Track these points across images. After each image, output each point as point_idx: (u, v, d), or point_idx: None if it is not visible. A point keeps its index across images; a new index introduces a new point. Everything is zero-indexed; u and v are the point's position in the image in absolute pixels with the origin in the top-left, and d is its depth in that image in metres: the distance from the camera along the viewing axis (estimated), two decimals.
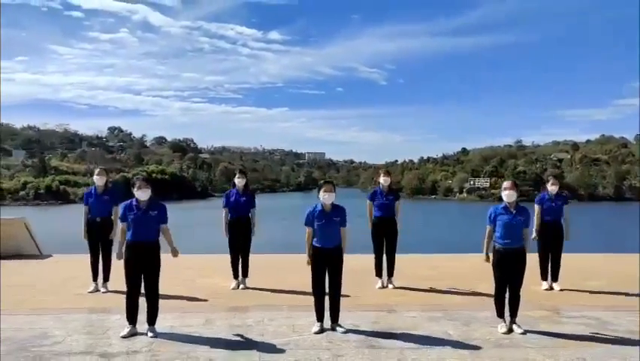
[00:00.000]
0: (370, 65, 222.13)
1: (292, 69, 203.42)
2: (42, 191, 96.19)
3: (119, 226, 6.52)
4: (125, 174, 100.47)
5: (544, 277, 9.08)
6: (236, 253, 8.96)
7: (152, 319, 6.29)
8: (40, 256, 12.69)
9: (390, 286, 9.01)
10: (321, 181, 6.74)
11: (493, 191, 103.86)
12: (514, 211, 6.54)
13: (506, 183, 6.67)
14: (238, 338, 6.14)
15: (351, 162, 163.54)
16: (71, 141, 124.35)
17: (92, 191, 8.62)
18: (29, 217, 13.70)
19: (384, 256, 9.08)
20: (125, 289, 6.32)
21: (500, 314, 6.63)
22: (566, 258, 11.74)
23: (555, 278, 9.05)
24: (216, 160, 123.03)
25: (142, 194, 6.26)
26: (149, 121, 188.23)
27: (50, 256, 12.72)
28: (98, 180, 8.56)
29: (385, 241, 9.05)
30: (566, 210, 9.03)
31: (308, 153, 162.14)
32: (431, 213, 73.36)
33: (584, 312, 7.44)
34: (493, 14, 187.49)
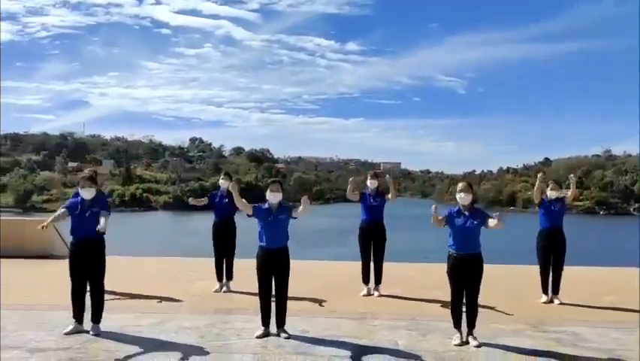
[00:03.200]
0: (449, 74, 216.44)
1: (369, 79, 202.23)
2: (127, 198, 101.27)
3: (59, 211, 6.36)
4: (203, 182, 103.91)
5: (544, 290, 8.40)
6: (221, 255, 8.94)
7: (95, 317, 6.33)
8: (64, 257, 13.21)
9: (375, 293, 8.65)
10: (269, 180, 6.58)
11: (577, 203, 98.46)
12: (467, 214, 6.08)
13: (461, 185, 6.25)
14: (174, 340, 6.06)
15: (428, 172, 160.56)
16: (155, 151, 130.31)
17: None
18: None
19: (372, 261, 8.75)
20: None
21: (457, 325, 6.17)
22: (592, 271, 10.93)
23: (556, 291, 8.34)
24: (291, 170, 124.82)
25: (86, 193, 6.32)
26: (229, 132, 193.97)
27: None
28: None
29: (373, 245, 8.72)
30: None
31: (383, 163, 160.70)
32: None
33: (566, 327, 6.79)
34: (580, 20, 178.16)
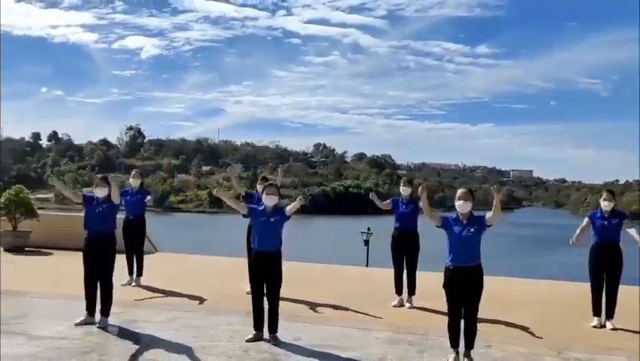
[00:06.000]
0: (590, 76, 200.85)
1: (500, 83, 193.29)
2: None
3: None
4: (325, 187, 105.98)
5: (596, 312, 7.45)
6: None
7: (104, 310, 6.62)
8: (151, 252, 13.84)
9: (407, 305, 8.21)
10: (266, 183, 6.53)
11: None
12: (465, 222, 5.55)
13: (460, 192, 5.70)
14: (167, 338, 6.16)
15: (563, 180, 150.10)
16: (280, 156, 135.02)
17: (129, 190, 9.37)
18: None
19: (405, 271, 8.32)
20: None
21: (454, 344, 5.67)
22: None
23: (609, 314, 7.36)
24: (412, 177, 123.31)
25: (99, 192, 6.66)
26: (353, 138, 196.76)
27: (155, 252, 13.82)
28: (133, 182, 9.31)
29: (405, 254, 8.30)
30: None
31: (513, 170, 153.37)
32: None
33: (596, 355, 5.97)
34: None
